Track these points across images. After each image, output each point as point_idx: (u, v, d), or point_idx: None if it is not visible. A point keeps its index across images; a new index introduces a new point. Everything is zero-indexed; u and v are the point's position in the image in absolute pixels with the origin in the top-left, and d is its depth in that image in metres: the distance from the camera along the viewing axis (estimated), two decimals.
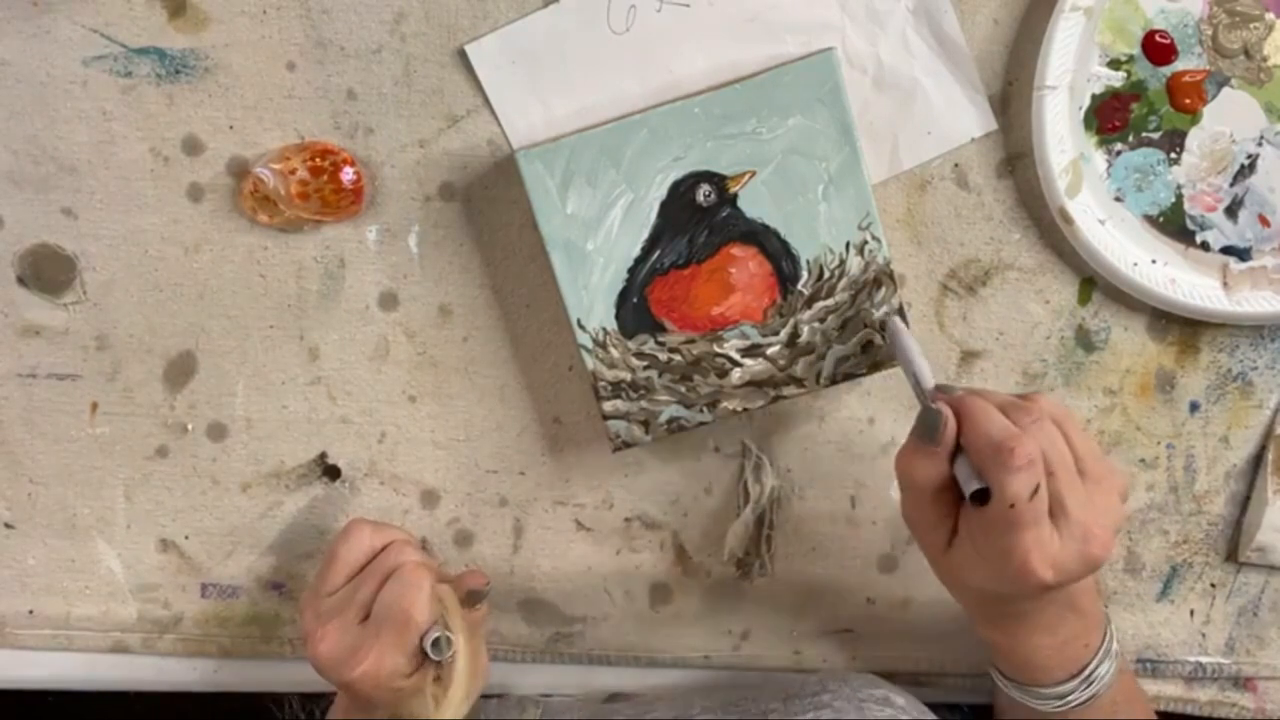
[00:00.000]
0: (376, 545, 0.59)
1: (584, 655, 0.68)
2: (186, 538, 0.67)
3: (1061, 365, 0.65)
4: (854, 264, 0.61)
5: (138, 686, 0.69)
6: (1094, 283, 0.64)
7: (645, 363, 0.61)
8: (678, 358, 0.62)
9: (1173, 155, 0.61)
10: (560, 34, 0.60)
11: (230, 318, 0.64)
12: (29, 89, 0.62)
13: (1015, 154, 0.63)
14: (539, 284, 0.63)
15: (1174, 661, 0.68)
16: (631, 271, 0.61)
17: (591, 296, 0.61)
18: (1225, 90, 0.61)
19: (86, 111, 0.62)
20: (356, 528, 0.59)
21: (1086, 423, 0.66)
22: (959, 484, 0.52)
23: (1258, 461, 0.66)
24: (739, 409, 0.62)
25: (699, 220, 0.60)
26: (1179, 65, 0.60)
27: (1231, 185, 0.62)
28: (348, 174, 0.62)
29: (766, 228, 0.60)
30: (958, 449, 0.52)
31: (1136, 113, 0.61)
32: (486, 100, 0.61)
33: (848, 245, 0.61)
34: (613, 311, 0.61)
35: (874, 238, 0.61)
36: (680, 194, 0.60)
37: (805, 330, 0.62)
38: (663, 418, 0.62)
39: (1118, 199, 0.62)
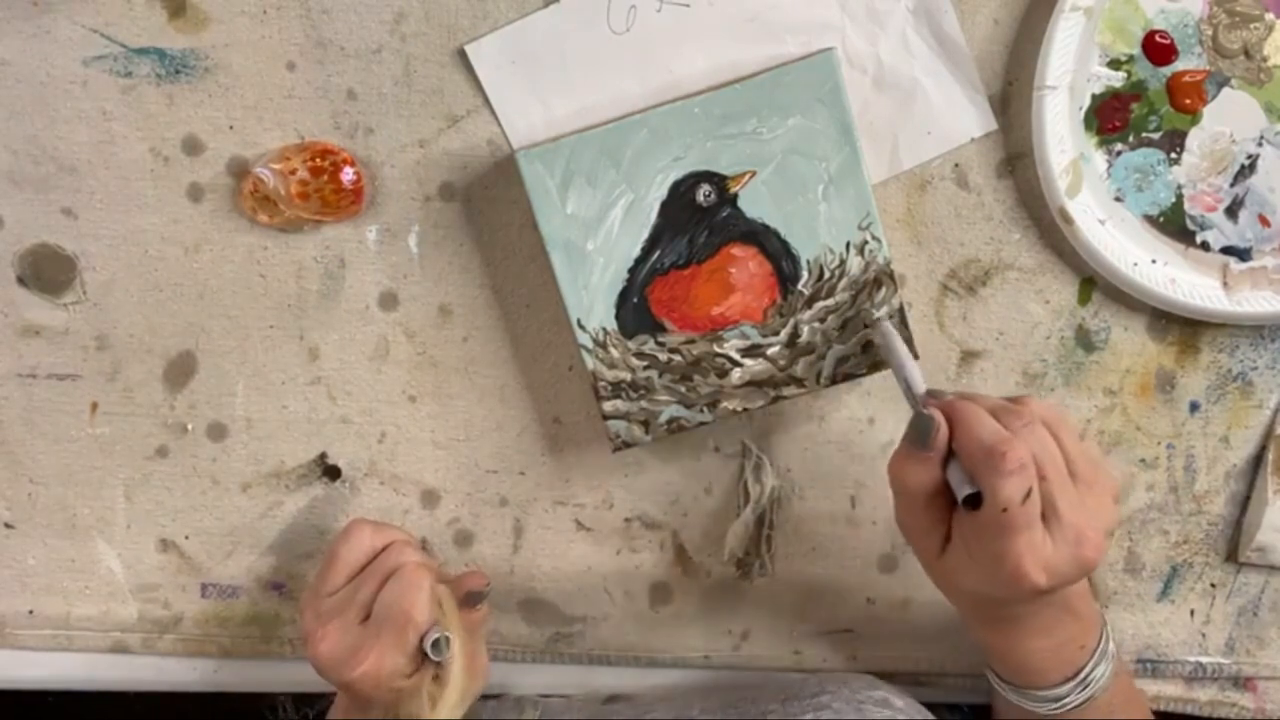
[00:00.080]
0: (377, 545, 0.59)
1: (584, 655, 0.68)
2: (186, 538, 0.67)
3: (1061, 365, 0.65)
4: (854, 264, 0.61)
5: (138, 686, 0.69)
6: (1094, 283, 0.64)
7: (645, 363, 0.61)
8: (678, 358, 0.62)
9: (1173, 155, 0.61)
10: (560, 34, 0.60)
11: (230, 318, 0.64)
12: (29, 89, 0.62)
13: (1015, 154, 0.63)
14: (539, 284, 0.64)
15: (1174, 661, 0.68)
16: (632, 271, 0.61)
17: (591, 296, 0.61)
18: (1225, 90, 0.61)
19: (86, 111, 0.62)
20: (357, 528, 0.59)
21: (1087, 423, 0.66)
22: (951, 489, 0.52)
23: (1258, 461, 0.66)
24: (739, 409, 0.62)
25: (699, 220, 0.60)
26: (1179, 65, 0.60)
27: (1232, 185, 0.62)
28: (348, 174, 0.62)
29: (767, 228, 0.60)
30: (950, 454, 0.52)
31: (1137, 113, 0.61)
32: (486, 100, 0.61)
33: (848, 245, 0.61)
34: (613, 311, 0.61)
35: (874, 238, 0.61)
36: (680, 194, 0.60)
37: (805, 330, 0.62)
38: (663, 418, 0.62)
39: (1118, 199, 0.62)
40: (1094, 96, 0.61)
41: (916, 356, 0.61)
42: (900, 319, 0.61)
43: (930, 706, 0.63)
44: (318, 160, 0.61)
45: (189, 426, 0.66)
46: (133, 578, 0.67)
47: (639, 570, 0.67)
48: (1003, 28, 0.61)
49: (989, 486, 0.50)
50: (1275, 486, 0.66)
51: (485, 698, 0.67)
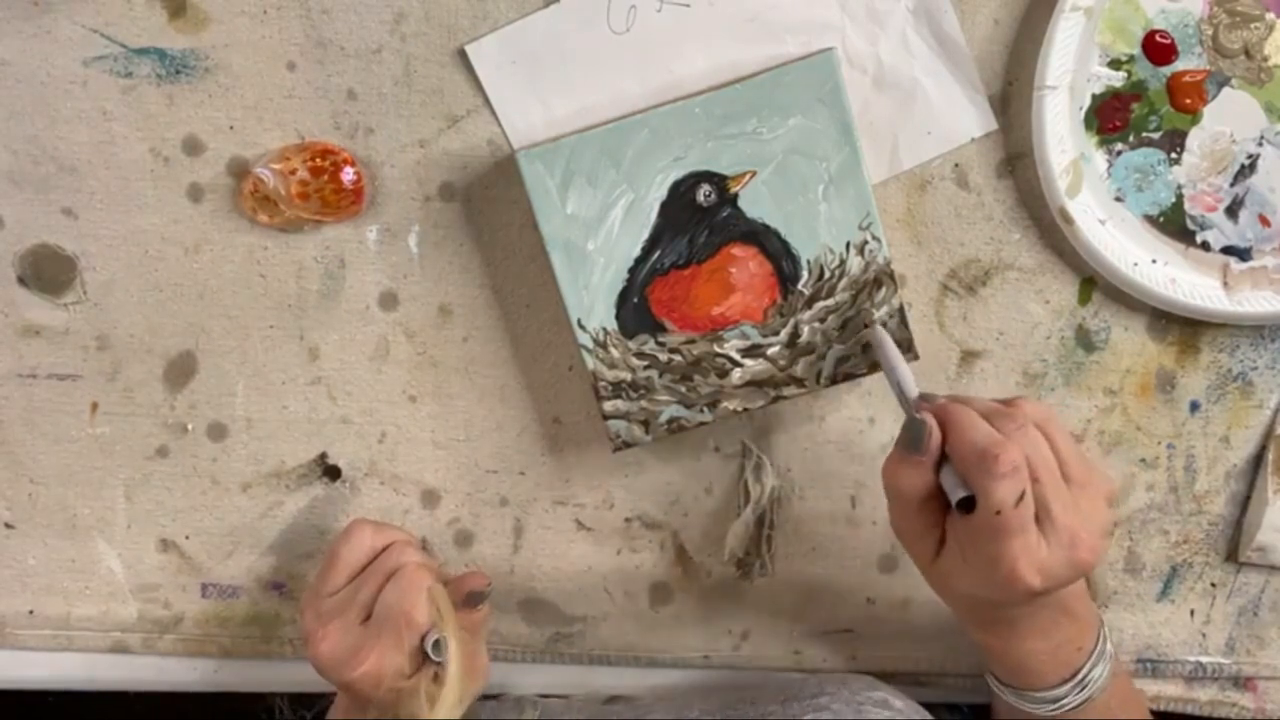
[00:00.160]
0: (377, 546, 0.59)
1: (584, 655, 0.68)
2: (187, 538, 0.67)
3: (1061, 365, 0.65)
4: (854, 264, 0.61)
5: (138, 686, 0.69)
6: (1094, 283, 0.64)
7: (645, 363, 0.61)
8: (678, 358, 0.62)
9: (1173, 155, 0.61)
10: (560, 34, 0.60)
11: (230, 318, 0.64)
12: (29, 89, 0.62)
13: (1015, 154, 0.63)
14: (539, 284, 0.63)
15: (1174, 661, 0.68)
16: (632, 271, 0.61)
17: (592, 296, 0.61)
18: (1225, 90, 0.61)
19: (86, 111, 0.62)
20: (357, 528, 0.59)
21: (1087, 423, 0.66)
22: (945, 493, 0.52)
23: (1258, 461, 0.66)
24: (739, 409, 0.62)
25: (699, 220, 0.60)
26: (1179, 65, 0.60)
27: (1232, 185, 0.62)
28: (348, 174, 0.62)
29: (767, 228, 0.60)
30: (943, 457, 0.52)
31: (1137, 113, 0.61)
32: (486, 100, 0.61)
33: (848, 245, 0.61)
34: (613, 311, 0.61)
35: (874, 238, 0.61)
36: (681, 194, 0.60)
37: (805, 330, 0.62)
38: (663, 418, 0.62)
39: (1118, 199, 0.62)
40: (1094, 96, 0.61)
41: (917, 357, 0.62)
42: (900, 319, 0.61)
43: (930, 706, 0.63)
44: (318, 160, 0.61)
45: (189, 426, 0.66)
46: (133, 578, 0.67)
47: (639, 570, 0.67)
48: (1003, 28, 0.61)
49: (982, 490, 0.50)
50: (1275, 486, 0.66)
51: (485, 698, 0.67)
